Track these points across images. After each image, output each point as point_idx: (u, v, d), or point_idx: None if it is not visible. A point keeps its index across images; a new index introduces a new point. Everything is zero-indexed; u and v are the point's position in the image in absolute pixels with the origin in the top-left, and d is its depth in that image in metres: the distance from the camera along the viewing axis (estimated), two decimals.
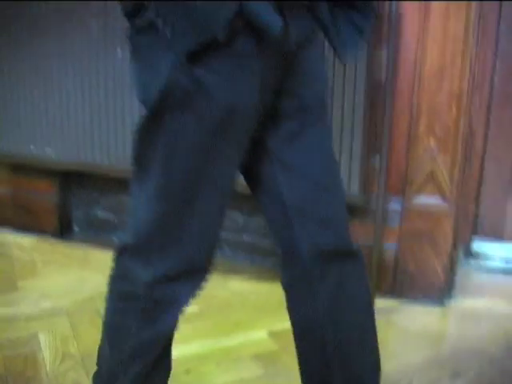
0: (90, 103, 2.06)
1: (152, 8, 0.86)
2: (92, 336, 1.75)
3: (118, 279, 1.02)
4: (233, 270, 2.21)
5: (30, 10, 2.05)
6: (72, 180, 2.46)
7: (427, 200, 1.94)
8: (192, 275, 0.98)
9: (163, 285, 0.96)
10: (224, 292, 2.07)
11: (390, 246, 2.01)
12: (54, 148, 2.17)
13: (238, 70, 0.89)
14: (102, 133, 2.07)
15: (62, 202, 2.49)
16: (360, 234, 1.93)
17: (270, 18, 0.85)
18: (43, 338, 1.74)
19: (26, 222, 2.51)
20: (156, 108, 0.89)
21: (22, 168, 2.41)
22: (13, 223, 2.53)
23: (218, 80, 0.87)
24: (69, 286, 2.08)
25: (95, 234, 2.52)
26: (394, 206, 1.99)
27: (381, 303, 1.98)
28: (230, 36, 0.85)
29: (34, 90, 2.13)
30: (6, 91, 2.21)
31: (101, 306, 1.90)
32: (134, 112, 2.01)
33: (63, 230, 2.51)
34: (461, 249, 2.35)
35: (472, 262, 2.35)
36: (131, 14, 0.90)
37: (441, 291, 2.00)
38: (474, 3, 1.78)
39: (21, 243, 2.43)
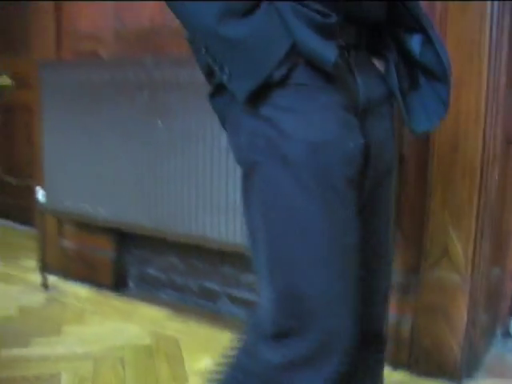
0: (136, 169, 2.32)
1: (210, 57, 0.89)
2: (108, 381, 1.92)
3: (244, 354, 0.98)
4: None
5: (90, 79, 2.38)
6: (128, 238, 2.71)
7: (442, 275, 1.95)
8: (325, 361, 0.90)
9: (288, 370, 0.91)
10: None
11: (406, 320, 2.03)
12: (106, 208, 2.44)
13: (307, 103, 0.88)
14: (145, 196, 2.31)
15: (118, 259, 2.75)
16: None
17: (324, 50, 0.85)
18: (64, 378, 1.92)
19: (87, 275, 2.79)
20: (247, 165, 0.90)
21: (85, 225, 2.71)
22: (75, 275, 2.82)
23: (290, 117, 0.87)
24: (105, 334, 2.28)
25: (147, 290, 2.73)
26: (411, 279, 2.02)
27: (395, 376, 1.98)
28: (289, 71, 0.86)
29: (90, 155, 2.43)
30: (70, 155, 2.53)
31: (126, 354, 2.09)
32: (172, 178, 2.23)
33: (118, 285, 2.75)
34: (499, 329, 2.29)
35: (510, 343, 2.27)
36: (207, 76, 0.94)
37: (457, 369, 1.96)
38: (485, 78, 1.84)
39: (78, 293, 2.70)
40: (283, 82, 0.86)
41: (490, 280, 2.12)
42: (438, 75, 1.01)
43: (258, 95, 0.86)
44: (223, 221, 2.13)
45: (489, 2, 1.81)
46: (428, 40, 1.00)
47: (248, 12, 0.83)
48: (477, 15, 1.82)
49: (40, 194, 2.64)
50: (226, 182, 2.08)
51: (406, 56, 1.03)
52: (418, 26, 1.01)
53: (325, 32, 0.85)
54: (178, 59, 2.18)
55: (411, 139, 1.96)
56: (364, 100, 0.96)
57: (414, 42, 1.01)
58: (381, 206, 1.07)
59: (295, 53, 0.85)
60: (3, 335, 2.22)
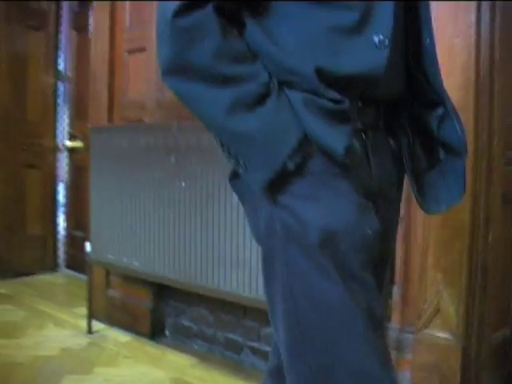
0: (163, 225, 2.57)
1: (226, 149, 0.93)
2: None
3: None
4: None
5: (127, 143, 2.70)
6: (166, 290, 2.95)
7: (435, 333, 2.02)
8: None
9: None
10: None
11: (403, 376, 2.10)
12: (139, 261, 2.70)
13: (324, 191, 0.90)
14: (170, 251, 2.55)
15: (157, 309, 2.99)
16: None
17: (333, 141, 0.87)
18: None
19: (129, 323, 3.04)
20: (267, 248, 0.93)
21: (128, 276, 2.99)
22: (119, 322, 3.08)
23: (308, 205, 0.89)
24: (131, 376, 2.50)
25: (181, 340, 2.94)
26: (408, 337, 2.10)
27: None
28: (304, 160, 0.88)
29: (127, 212, 2.73)
30: (111, 211, 2.83)
31: None
32: (192, 234, 2.46)
33: (156, 334, 2.98)
34: None
35: None
36: (228, 161, 0.97)
37: None
38: (472, 142, 1.94)
39: (118, 339, 2.95)
40: (299, 170, 0.88)
41: (494, 340, 2.15)
42: (457, 151, 1.03)
43: (275, 184, 0.89)
44: (235, 275, 2.31)
45: (472, 69, 1.94)
46: (446, 115, 1.02)
47: (257, 103, 0.87)
48: (463, 77, 1.95)
49: (88, 247, 2.96)
50: (237, 238, 2.28)
51: (424, 132, 1.04)
52: (437, 98, 1.02)
53: (337, 119, 0.88)
54: (200, 125, 2.43)
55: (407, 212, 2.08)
56: (377, 185, 0.98)
57: (433, 118, 1.03)
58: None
59: (307, 142, 0.88)
60: (40, 372, 2.50)
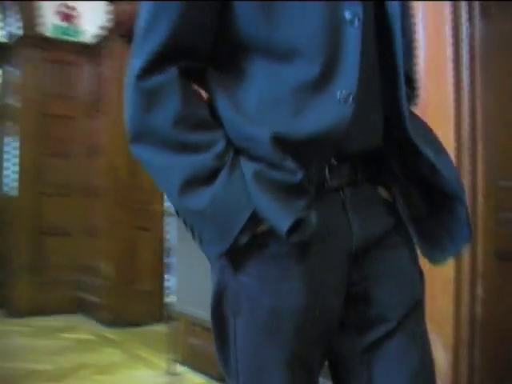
0: None
1: (182, 220, 0.92)
2: None
3: None
4: None
5: None
6: None
7: None
8: None
9: None
10: None
11: None
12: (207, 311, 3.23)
13: (274, 272, 0.90)
14: None
15: None
16: None
17: (278, 217, 0.84)
18: None
19: (205, 367, 3.55)
20: (215, 312, 0.96)
21: (206, 326, 3.52)
22: (197, 366, 3.60)
23: (257, 283, 0.90)
24: None
25: None
26: None
27: None
28: (255, 239, 0.87)
29: (203, 269, 3.28)
30: (194, 270, 3.42)
31: None
32: None
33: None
34: None
35: None
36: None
37: None
38: None
39: (192, 380, 3.49)
40: (251, 249, 0.88)
41: None
42: (454, 195, 0.99)
43: (232, 256, 0.89)
44: None
45: (451, 136, 2.26)
46: (434, 160, 0.98)
47: (210, 178, 0.85)
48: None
49: (170, 299, 3.56)
50: None
51: (418, 178, 1.00)
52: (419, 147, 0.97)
53: (289, 192, 0.85)
54: None
55: None
56: (360, 241, 0.96)
57: (423, 164, 0.98)
58: (402, 342, 1.04)
59: (259, 219, 0.86)
60: None
